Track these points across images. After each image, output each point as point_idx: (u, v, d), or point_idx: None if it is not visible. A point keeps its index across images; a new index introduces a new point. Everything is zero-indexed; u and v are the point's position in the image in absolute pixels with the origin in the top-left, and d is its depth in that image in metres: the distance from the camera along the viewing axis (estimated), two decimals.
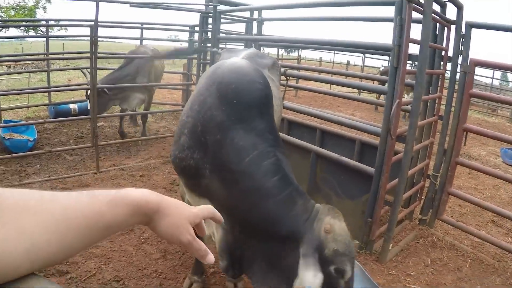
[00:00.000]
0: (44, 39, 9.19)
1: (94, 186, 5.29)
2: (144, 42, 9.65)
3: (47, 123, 7.80)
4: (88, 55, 5.69)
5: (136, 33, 9.83)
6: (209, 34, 6.28)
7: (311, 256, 1.96)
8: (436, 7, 4.15)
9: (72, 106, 8.60)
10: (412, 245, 4.49)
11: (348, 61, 22.61)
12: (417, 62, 3.93)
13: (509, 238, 5.06)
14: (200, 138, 2.38)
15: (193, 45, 9.37)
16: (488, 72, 21.52)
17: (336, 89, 13.95)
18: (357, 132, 5.78)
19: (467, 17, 4.41)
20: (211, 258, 1.10)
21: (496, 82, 22.98)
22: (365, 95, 14.81)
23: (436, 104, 4.81)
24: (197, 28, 7.50)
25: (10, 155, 5.69)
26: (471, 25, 4.32)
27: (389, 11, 3.96)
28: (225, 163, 2.25)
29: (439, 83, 4.75)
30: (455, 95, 4.56)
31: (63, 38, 16.30)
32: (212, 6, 5.93)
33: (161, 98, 12.58)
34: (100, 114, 6.36)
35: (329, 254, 1.92)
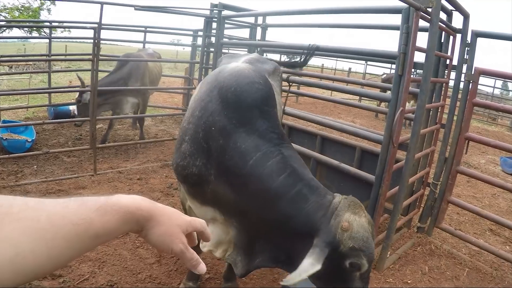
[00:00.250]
0: (47, 40, 9.18)
1: (91, 188, 5.25)
2: (147, 45, 9.65)
3: (46, 124, 7.78)
4: (90, 57, 5.67)
5: (140, 36, 9.84)
6: (213, 39, 6.27)
7: (319, 248, 1.95)
8: (442, 15, 4.14)
9: (72, 107, 8.53)
10: (410, 253, 4.47)
11: (349, 68, 22.58)
12: (420, 70, 3.91)
13: (507, 247, 5.04)
14: (202, 144, 2.37)
15: (196, 50, 9.37)
16: (489, 81, 21.57)
17: (336, 96, 13.95)
18: (357, 139, 5.76)
19: (472, 26, 4.41)
20: (203, 267, 1.05)
21: (496, 91, 23.04)
22: (365, 102, 14.81)
23: (438, 113, 4.79)
24: (200, 33, 7.50)
25: (7, 156, 5.68)
26: (476, 34, 4.31)
27: (392, 19, 3.96)
28: (230, 167, 2.25)
29: (443, 92, 4.74)
30: (458, 103, 4.55)
31: (66, 39, 16.30)
32: (216, 11, 5.93)
33: (161, 102, 12.60)
34: (100, 117, 6.37)
35: (345, 250, 1.94)
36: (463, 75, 4.44)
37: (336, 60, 21.03)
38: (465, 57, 4.40)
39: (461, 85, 4.50)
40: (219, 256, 2.74)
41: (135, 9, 5.98)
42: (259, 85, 2.42)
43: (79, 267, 3.52)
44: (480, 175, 4.80)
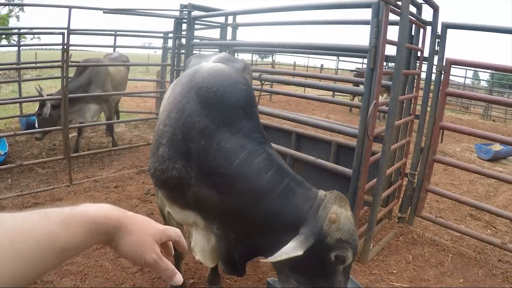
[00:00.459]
0: (16, 48, 8.99)
1: (67, 199, 5.15)
2: (118, 49, 9.54)
3: (18, 136, 7.61)
4: (60, 63, 5.56)
5: (110, 40, 9.71)
6: (183, 40, 6.22)
7: (304, 235, 1.97)
8: (412, 8, 4.18)
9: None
10: (393, 243, 4.51)
11: (322, 65, 22.73)
12: (392, 63, 3.94)
13: (488, 231, 5.12)
14: (181, 146, 2.34)
15: (167, 52, 9.32)
16: (461, 71, 21.94)
17: (310, 93, 14.02)
18: (333, 134, 5.79)
19: (442, 18, 4.46)
20: (179, 278, 1.00)
21: (468, 81, 23.44)
22: (339, 98, 14.93)
23: (412, 104, 4.84)
24: (171, 35, 7.43)
25: None
26: (446, 26, 4.37)
27: (363, 13, 3.98)
28: (214, 168, 2.22)
29: (415, 83, 4.79)
30: (430, 94, 4.60)
31: (36, 47, 16.02)
32: (186, 12, 5.88)
33: (134, 107, 12.48)
34: (72, 125, 6.27)
35: (331, 242, 1.96)
36: (434, 67, 4.49)
37: (308, 57, 21.15)
38: (436, 49, 4.45)
39: (433, 76, 4.53)
40: (209, 266, 2.74)
41: (104, 12, 5.90)
42: (242, 85, 2.42)
43: (60, 281, 3.44)
44: (456, 163, 4.87)
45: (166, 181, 2.42)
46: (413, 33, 4.62)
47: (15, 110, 10.03)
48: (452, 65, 4.36)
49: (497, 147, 9.38)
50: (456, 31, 4.60)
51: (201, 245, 2.62)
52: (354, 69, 16.87)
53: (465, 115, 19.34)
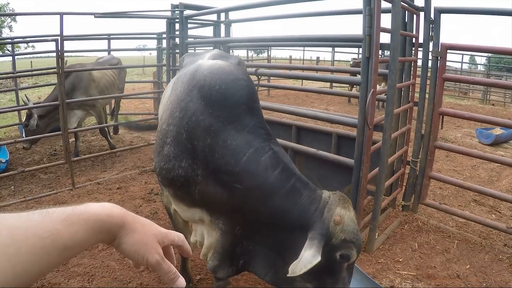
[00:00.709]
0: (11, 57, 8.99)
1: (71, 203, 5.14)
2: (112, 53, 9.52)
3: (18, 143, 7.60)
4: (55, 70, 5.54)
5: (104, 44, 9.71)
6: (177, 40, 6.21)
7: (317, 240, 1.98)
8: None
9: None
10: (398, 232, 4.50)
11: (318, 57, 22.70)
12: (387, 51, 3.92)
13: (493, 215, 5.11)
14: (186, 145, 2.34)
15: (162, 53, 9.30)
16: (457, 57, 21.93)
17: (308, 86, 14.00)
18: (333, 126, 5.78)
19: (435, 3, 4.44)
20: (181, 282, 0.96)
21: (465, 66, 23.40)
22: (336, 89, 14.92)
23: (410, 91, 4.82)
24: (165, 35, 7.41)
25: None
26: (439, 11, 4.35)
27: (355, 3, 3.97)
28: (221, 166, 2.23)
29: (412, 70, 4.77)
30: (428, 81, 4.59)
31: (30, 55, 16.04)
32: (178, 12, 5.86)
33: (133, 108, 12.49)
34: (72, 130, 6.27)
35: (337, 243, 1.99)
36: (430, 53, 4.47)
37: (303, 50, 21.14)
38: (430, 34, 4.43)
39: (430, 62, 4.52)
40: (203, 257, 2.73)
41: (95, 16, 5.89)
42: (244, 81, 2.43)
43: (68, 283, 3.46)
44: (458, 148, 4.87)
45: (172, 179, 2.42)
46: (406, 20, 4.61)
47: (14, 119, 10.05)
48: (448, 50, 4.34)
49: (497, 131, 9.37)
50: (450, 15, 4.58)
51: (206, 240, 2.63)
52: (350, 59, 16.85)
53: (464, 100, 19.30)
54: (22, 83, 16.02)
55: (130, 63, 13.12)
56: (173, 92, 2.65)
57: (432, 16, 4.39)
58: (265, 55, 25.36)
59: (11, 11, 32.22)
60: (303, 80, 17.16)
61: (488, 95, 19.24)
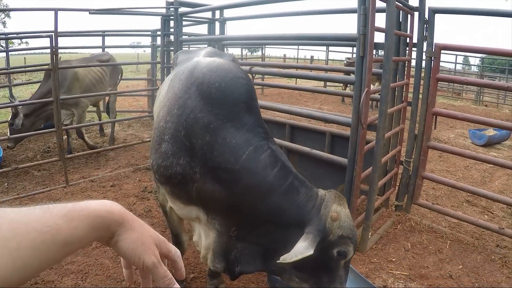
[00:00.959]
0: (4, 54, 8.94)
1: (65, 200, 5.11)
2: (106, 50, 9.48)
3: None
4: (49, 67, 5.51)
5: (98, 41, 9.67)
6: (172, 37, 6.20)
7: (312, 234, 2.01)
8: None
9: None
10: (391, 232, 4.52)
11: (312, 56, 22.70)
12: (382, 50, 3.93)
13: (485, 216, 5.14)
14: (184, 142, 2.34)
15: (156, 50, 9.27)
16: (451, 57, 21.99)
17: (302, 85, 14.01)
18: (326, 125, 5.79)
19: (429, 3, 4.45)
20: None
21: (459, 67, 23.49)
22: (330, 89, 14.94)
23: (403, 91, 4.83)
24: (159, 33, 7.39)
25: None
26: (434, 11, 4.36)
27: (351, 2, 3.97)
28: (221, 163, 2.23)
29: (406, 70, 4.78)
30: (422, 81, 4.60)
31: (24, 51, 15.97)
32: (173, 9, 5.85)
33: (127, 106, 12.45)
34: (66, 127, 6.23)
35: (334, 239, 2.03)
36: (424, 53, 4.48)
37: (298, 48, 21.15)
38: (424, 34, 4.44)
39: (424, 62, 4.53)
40: (202, 259, 2.74)
41: (90, 13, 5.86)
42: (243, 79, 2.44)
43: (62, 280, 3.45)
44: (451, 149, 4.89)
45: (170, 177, 2.42)
46: (401, 20, 4.61)
47: (7, 115, 9.97)
48: (442, 50, 4.35)
49: (490, 132, 9.41)
50: (445, 16, 4.59)
51: (202, 240, 2.65)
52: (344, 59, 16.88)
53: (457, 101, 19.38)
54: (15, 79, 15.93)
55: (124, 60, 13.09)
56: (170, 89, 2.64)
57: (426, 16, 4.40)
58: (259, 53, 25.35)
59: (4, 7, 32.10)
60: (297, 79, 17.19)
61: (481, 96, 19.31)
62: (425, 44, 4.46)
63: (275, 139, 4.69)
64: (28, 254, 0.69)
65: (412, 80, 4.86)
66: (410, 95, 4.85)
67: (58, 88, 5.51)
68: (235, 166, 2.20)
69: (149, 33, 9.51)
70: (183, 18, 6.08)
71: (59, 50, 5.62)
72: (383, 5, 3.63)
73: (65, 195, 5.35)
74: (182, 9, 5.87)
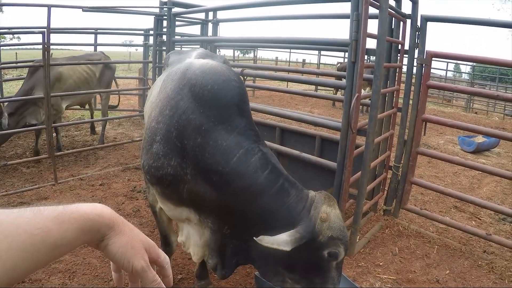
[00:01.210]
0: None
1: (53, 198, 5.11)
2: (99, 48, 9.45)
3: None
4: (41, 63, 5.48)
5: (90, 38, 9.64)
6: (164, 37, 6.19)
7: (299, 233, 2.03)
8: (391, 1, 4.20)
9: None
10: (379, 236, 4.54)
11: (304, 60, 22.74)
12: (373, 56, 3.96)
13: (473, 222, 5.18)
14: (176, 144, 2.35)
15: (148, 49, 9.24)
16: (442, 64, 22.14)
17: (293, 88, 14.03)
18: (317, 128, 5.81)
19: (422, 11, 4.49)
20: None
21: (449, 74, 23.64)
22: (321, 92, 14.97)
23: (394, 97, 4.87)
24: (152, 32, 7.37)
25: None
26: (426, 19, 4.40)
27: (343, 7, 3.98)
28: (212, 165, 2.24)
29: (397, 76, 4.82)
30: (412, 87, 4.63)
31: (16, 47, 15.86)
32: (166, 9, 5.85)
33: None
34: (55, 124, 6.20)
35: (324, 240, 2.03)
36: (415, 60, 4.52)
37: (290, 52, 21.19)
38: (416, 42, 4.48)
39: (415, 69, 4.57)
40: (195, 261, 2.74)
41: (83, 10, 5.85)
42: (236, 82, 2.45)
43: (49, 279, 3.43)
44: (440, 155, 4.93)
45: (161, 178, 2.43)
46: (393, 26, 4.64)
47: None
48: (433, 58, 4.39)
49: (480, 139, 9.49)
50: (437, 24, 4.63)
51: (194, 240, 2.65)
52: (336, 63, 16.94)
53: (447, 107, 19.52)
54: (6, 74, 15.82)
55: (116, 58, 13.04)
56: (163, 90, 2.65)
57: (418, 24, 4.44)
58: (251, 55, 25.37)
59: None
60: (288, 82, 17.22)
61: (471, 104, 19.48)
62: (416, 51, 4.50)
63: (265, 141, 4.73)
64: (18, 256, 0.69)
65: (402, 86, 4.90)
66: (401, 101, 4.88)
67: (49, 85, 5.48)
68: (225, 168, 2.21)
69: (142, 32, 9.51)
70: (176, 18, 6.07)
71: (51, 47, 5.58)
72: (376, 11, 3.66)
73: (53, 192, 5.31)
74: (175, 9, 5.87)
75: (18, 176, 5.90)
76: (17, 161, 5.98)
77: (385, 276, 3.75)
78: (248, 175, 2.20)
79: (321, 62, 19.87)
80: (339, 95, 11.82)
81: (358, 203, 4.10)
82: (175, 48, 5.94)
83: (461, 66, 33.77)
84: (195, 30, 9.48)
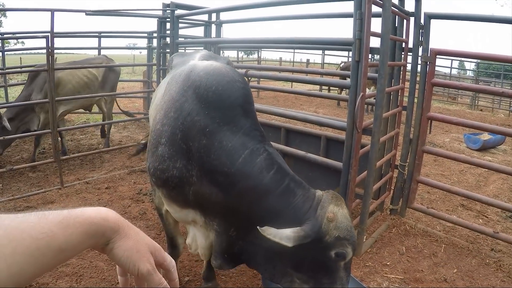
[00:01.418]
0: (0, 53, 8.91)
1: (60, 202, 5.12)
2: (102, 51, 9.46)
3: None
4: (45, 67, 5.49)
5: (94, 42, 9.66)
6: (168, 39, 6.20)
7: (304, 231, 2.02)
8: (395, 0, 4.18)
9: None
10: (386, 235, 4.53)
11: (308, 60, 22.70)
12: (377, 55, 3.95)
13: (480, 220, 5.16)
14: (181, 146, 2.35)
15: (152, 52, 9.25)
16: (446, 62, 22.06)
17: (297, 88, 14.02)
18: (322, 128, 5.80)
19: (425, 8, 4.47)
20: None
21: (454, 71, 23.56)
22: (326, 92, 14.95)
23: (399, 96, 4.85)
24: (155, 34, 7.38)
25: None
26: (429, 16, 4.38)
27: (347, 6, 3.98)
28: (217, 167, 2.24)
29: (401, 75, 4.80)
30: (417, 85, 4.62)
31: (20, 51, 15.91)
32: (169, 11, 5.85)
33: (122, 108, 12.40)
34: (61, 128, 6.20)
35: (331, 240, 2.01)
36: (419, 58, 4.50)
37: (294, 52, 21.17)
38: (420, 39, 4.46)
39: (419, 67, 4.55)
40: (204, 260, 2.75)
41: (86, 14, 5.86)
42: (240, 83, 2.45)
43: (56, 283, 3.44)
44: (446, 153, 4.90)
45: (166, 180, 2.43)
46: (396, 25, 4.63)
47: None
48: (437, 56, 4.37)
49: (485, 136, 9.43)
50: (441, 21, 4.62)
51: (200, 242, 2.66)
52: (340, 62, 16.91)
53: (452, 105, 19.46)
54: (11, 79, 15.88)
55: (120, 62, 13.08)
56: (167, 92, 2.65)
57: (422, 21, 4.42)
58: (255, 56, 25.41)
59: (1, 6, 32.00)
60: (293, 83, 17.20)
61: (476, 101, 19.40)
62: (420, 49, 4.48)
63: (271, 142, 4.73)
64: (23, 260, 0.69)
65: (407, 85, 4.88)
66: (405, 99, 4.86)
67: (53, 88, 5.48)
68: (231, 169, 2.21)
69: (145, 35, 9.52)
70: (180, 20, 6.08)
71: (55, 51, 5.59)
72: (379, 10, 3.64)
73: (60, 196, 5.32)
74: (178, 11, 5.87)
75: (25, 181, 5.92)
76: (23, 165, 6.01)
77: (393, 276, 3.74)
78: (254, 175, 2.20)
79: (325, 61, 19.82)
80: (343, 94, 11.80)
81: (365, 203, 4.08)
82: (179, 50, 5.94)
83: (465, 63, 33.67)
84: (199, 32, 9.50)
